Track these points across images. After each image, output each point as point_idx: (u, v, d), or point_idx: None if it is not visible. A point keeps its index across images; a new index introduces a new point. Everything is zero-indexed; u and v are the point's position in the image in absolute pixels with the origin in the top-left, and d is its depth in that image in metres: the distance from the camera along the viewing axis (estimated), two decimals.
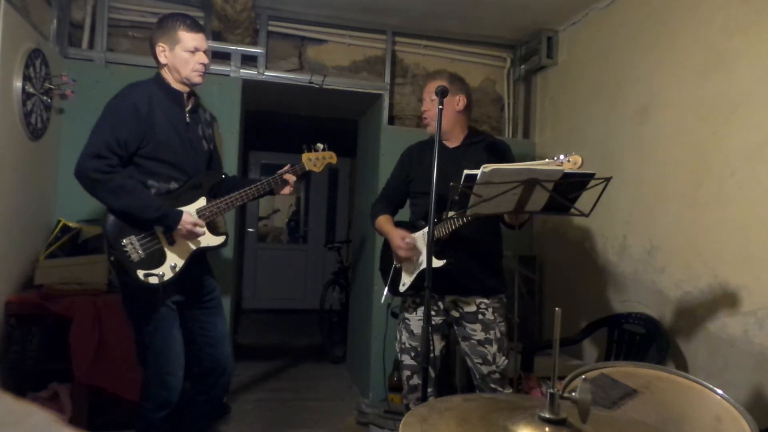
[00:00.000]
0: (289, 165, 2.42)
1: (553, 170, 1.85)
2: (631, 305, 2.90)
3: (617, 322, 2.90)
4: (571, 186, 1.89)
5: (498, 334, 2.39)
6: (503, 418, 1.03)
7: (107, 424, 2.82)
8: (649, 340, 2.66)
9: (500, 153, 2.45)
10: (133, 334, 2.25)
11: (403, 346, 2.49)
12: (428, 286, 1.93)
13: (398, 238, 2.36)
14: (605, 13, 3.30)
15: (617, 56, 3.15)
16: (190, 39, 2.17)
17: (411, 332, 2.46)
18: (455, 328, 2.48)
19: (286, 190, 2.40)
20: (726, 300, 2.35)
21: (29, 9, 2.84)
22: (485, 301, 2.39)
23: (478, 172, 1.82)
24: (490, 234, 2.46)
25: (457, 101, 2.43)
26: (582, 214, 1.93)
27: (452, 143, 2.48)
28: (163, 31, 2.19)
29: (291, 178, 2.39)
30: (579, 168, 1.94)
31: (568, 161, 1.95)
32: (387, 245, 2.57)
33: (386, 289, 2.50)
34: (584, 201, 1.94)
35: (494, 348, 2.37)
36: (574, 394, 0.98)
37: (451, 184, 1.89)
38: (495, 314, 2.39)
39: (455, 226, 2.23)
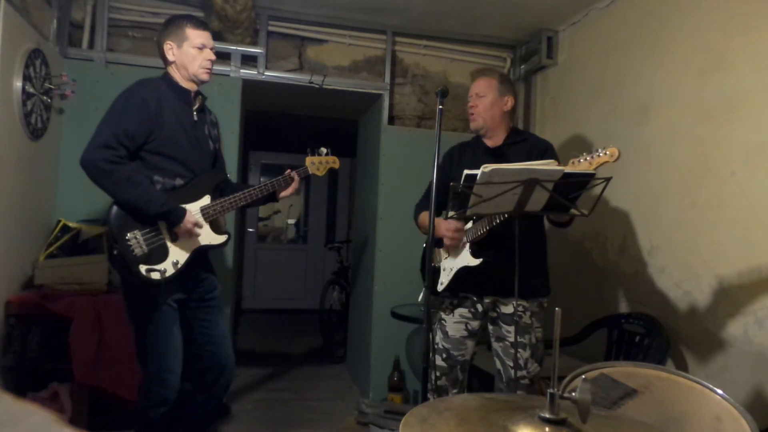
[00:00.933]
0: (289, 170, 2.46)
1: (553, 170, 1.84)
2: (631, 305, 2.90)
3: (617, 322, 2.90)
4: (571, 186, 1.89)
5: (533, 340, 2.32)
6: (503, 418, 1.03)
7: (107, 424, 2.82)
8: (649, 340, 2.66)
9: (542, 152, 2.40)
10: (133, 333, 2.25)
11: (436, 346, 2.45)
12: (427, 286, 1.93)
13: (444, 222, 2.33)
14: (605, 13, 3.30)
15: (617, 56, 3.15)
16: (197, 36, 2.23)
17: (446, 333, 2.43)
18: (490, 327, 2.43)
19: (289, 190, 2.45)
20: (726, 300, 2.35)
21: (29, 9, 2.83)
22: (524, 303, 2.31)
23: (478, 172, 1.82)
24: (532, 232, 2.36)
25: (505, 102, 2.44)
26: (582, 215, 1.93)
27: (494, 142, 2.46)
28: (170, 30, 2.24)
29: (295, 177, 2.44)
30: (615, 161, 1.91)
31: (606, 153, 1.93)
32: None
33: (424, 287, 2.50)
34: (584, 201, 1.95)
35: (527, 353, 2.31)
36: (574, 394, 0.98)
37: (451, 183, 1.88)
38: (533, 318, 2.33)
39: (492, 224, 2.18)
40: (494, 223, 2.18)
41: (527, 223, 2.27)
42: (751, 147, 2.27)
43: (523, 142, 2.46)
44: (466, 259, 2.30)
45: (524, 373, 2.33)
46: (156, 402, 2.18)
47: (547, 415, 0.99)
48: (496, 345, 2.41)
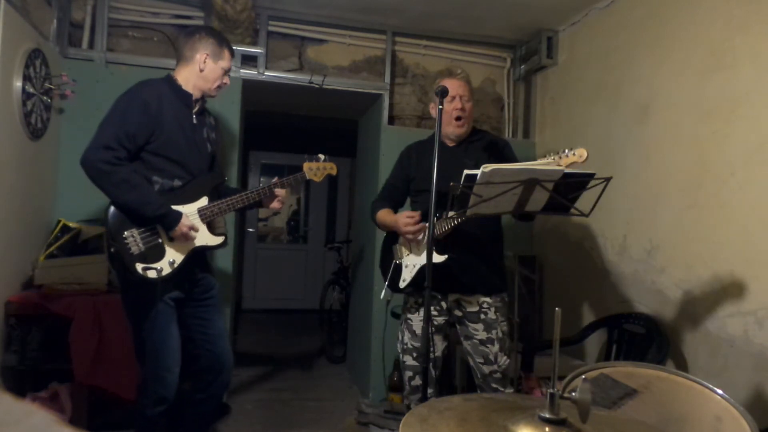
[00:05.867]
0: (276, 178, 2.43)
1: (553, 170, 1.84)
2: (631, 305, 2.90)
3: (617, 322, 2.90)
4: (571, 186, 1.89)
5: (500, 334, 2.39)
6: (503, 418, 1.03)
7: (107, 424, 2.82)
8: (649, 340, 2.66)
9: (499, 150, 2.46)
10: (131, 331, 2.26)
11: (405, 346, 2.48)
12: (428, 285, 1.93)
13: (403, 216, 2.35)
14: (605, 13, 3.30)
15: (617, 56, 3.15)
16: (229, 61, 2.35)
17: (413, 333, 2.46)
18: (457, 327, 2.47)
19: (275, 204, 2.42)
20: (726, 300, 2.35)
21: (29, 9, 2.83)
22: (488, 300, 2.38)
23: (478, 172, 1.82)
24: (491, 232, 2.45)
25: (472, 103, 2.50)
26: (582, 214, 1.93)
27: (452, 142, 2.49)
28: (211, 41, 2.30)
29: (280, 192, 2.41)
30: (584, 161, 1.93)
31: (573, 154, 1.94)
32: (387, 241, 2.56)
33: (385, 285, 2.51)
34: (584, 201, 1.95)
35: (496, 347, 2.37)
36: (574, 394, 0.98)
37: (451, 184, 1.89)
38: (497, 314, 2.39)
39: (455, 222, 2.22)
40: (459, 221, 2.20)
41: (485, 223, 2.30)
42: (751, 147, 2.27)
43: (480, 140, 2.50)
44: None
45: (495, 367, 2.38)
46: (154, 401, 2.19)
47: (547, 415, 0.99)
48: (465, 344, 2.45)
